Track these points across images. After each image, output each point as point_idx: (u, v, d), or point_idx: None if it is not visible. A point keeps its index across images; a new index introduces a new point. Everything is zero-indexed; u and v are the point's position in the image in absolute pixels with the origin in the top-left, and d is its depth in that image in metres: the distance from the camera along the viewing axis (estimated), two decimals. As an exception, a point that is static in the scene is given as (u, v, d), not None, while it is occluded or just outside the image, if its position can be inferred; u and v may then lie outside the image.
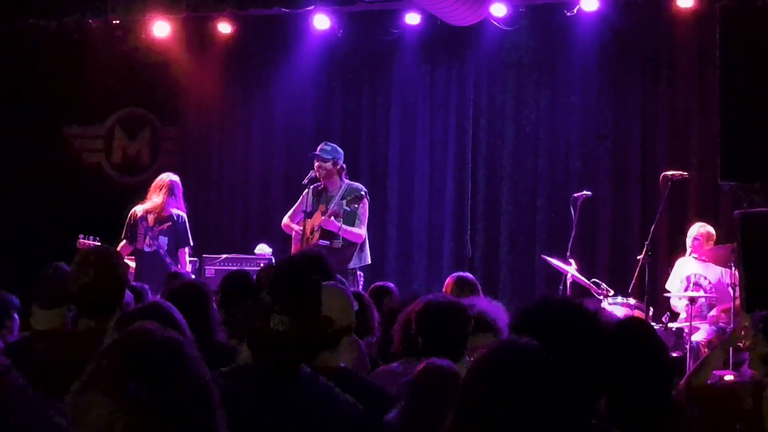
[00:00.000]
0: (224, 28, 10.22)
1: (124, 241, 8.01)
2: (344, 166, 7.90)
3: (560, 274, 8.07)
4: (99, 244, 8.10)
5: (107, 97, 10.80)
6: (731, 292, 7.38)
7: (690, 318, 7.45)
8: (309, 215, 7.70)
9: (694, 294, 7.77)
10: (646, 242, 7.69)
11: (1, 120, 10.72)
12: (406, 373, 3.47)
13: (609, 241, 9.26)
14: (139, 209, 8.10)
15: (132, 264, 7.82)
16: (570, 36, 9.36)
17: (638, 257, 7.78)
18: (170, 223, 8.01)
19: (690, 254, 8.10)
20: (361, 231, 7.71)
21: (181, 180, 8.40)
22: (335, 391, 2.88)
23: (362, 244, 7.76)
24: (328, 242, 7.62)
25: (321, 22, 9.82)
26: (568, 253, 8.08)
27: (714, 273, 7.98)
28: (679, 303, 8.05)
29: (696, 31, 8.98)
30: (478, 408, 1.98)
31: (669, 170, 8.01)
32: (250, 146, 10.58)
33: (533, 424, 1.94)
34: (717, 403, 3.80)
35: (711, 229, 8.11)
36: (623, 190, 9.30)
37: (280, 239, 9.02)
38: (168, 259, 7.93)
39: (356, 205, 7.59)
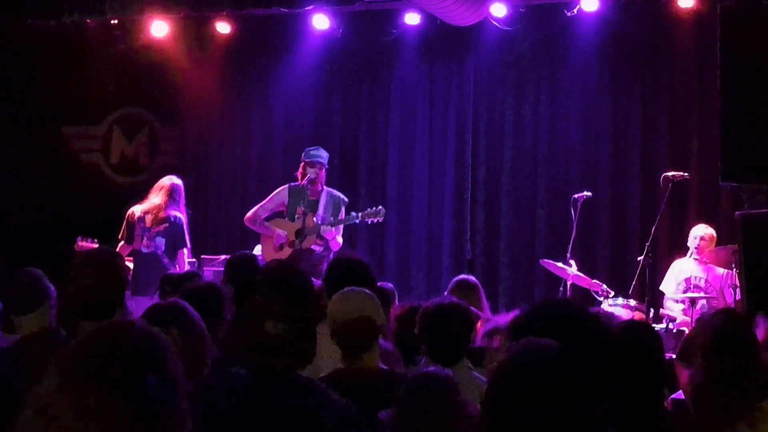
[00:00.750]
0: (223, 28, 10.19)
1: (122, 242, 7.97)
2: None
3: (560, 276, 8.05)
4: (97, 245, 8.12)
5: (105, 97, 10.78)
6: (731, 293, 7.36)
7: (691, 319, 7.42)
8: (291, 217, 7.72)
9: (695, 295, 7.75)
10: (647, 243, 7.67)
11: (0, 120, 10.70)
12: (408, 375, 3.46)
13: (609, 242, 9.24)
14: (137, 209, 8.07)
15: (130, 265, 7.79)
16: (570, 36, 9.35)
17: (639, 258, 7.76)
18: (167, 225, 7.98)
19: (692, 255, 8.07)
20: (340, 240, 7.90)
21: (181, 181, 8.37)
22: (330, 395, 2.86)
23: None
24: (320, 247, 7.66)
25: (320, 21, 9.79)
26: (569, 254, 8.06)
27: (713, 274, 7.96)
28: (674, 306, 8.01)
29: (696, 31, 8.96)
30: (505, 409, 2.02)
31: (669, 171, 8.00)
32: (249, 146, 10.56)
33: (557, 424, 1.96)
34: None
35: (713, 231, 8.10)
36: (623, 191, 9.28)
37: (278, 240, 9.00)
38: (165, 260, 7.91)
39: (339, 221, 7.71)
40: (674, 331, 7.49)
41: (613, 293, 7.79)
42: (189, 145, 10.74)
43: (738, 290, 7.06)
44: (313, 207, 7.77)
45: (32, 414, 1.56)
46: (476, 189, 9.77)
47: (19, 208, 10.35)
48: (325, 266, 7.54)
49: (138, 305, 5.34)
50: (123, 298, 3.60)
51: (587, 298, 7.89)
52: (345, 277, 4.18)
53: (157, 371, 1.61)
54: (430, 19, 9.48)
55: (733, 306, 7.30)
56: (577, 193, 8.33)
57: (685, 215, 8.80)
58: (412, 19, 9.64)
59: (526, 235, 9.55)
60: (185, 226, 8.09)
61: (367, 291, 3.82)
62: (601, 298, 7.76)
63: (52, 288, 4.22)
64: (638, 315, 7.58)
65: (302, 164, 7.93)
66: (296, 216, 7.69)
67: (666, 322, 7.51)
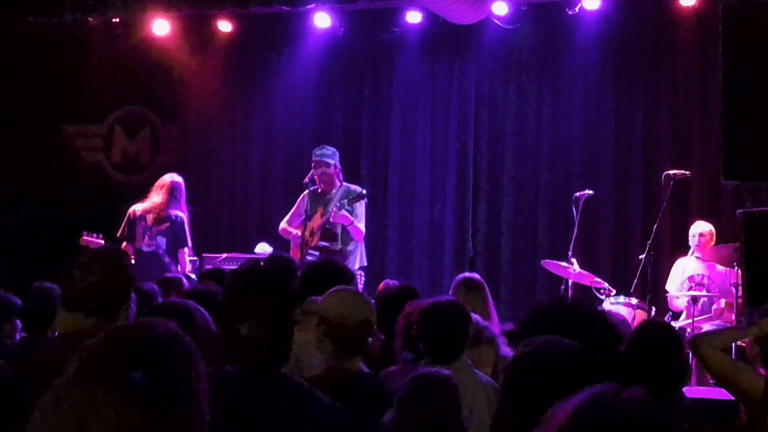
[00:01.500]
0: (224, 26, 10.19)
1: (125, 243, 7.97)
2: (339, 166, 7.94)
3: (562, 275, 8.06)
4: (102, 241, 8.12)
5: (107, 96, 10.77)
6: (734, 291, 7.37)
7: (693, 317, 7.43)
8: (308, 218, 7.73)
9: (697, 293, 7.76)
10: (649, 241, 7.67)
11: (1, 118, 10.71)
12: (407, 376, 3.46)
13: (611, 240, 9.24)
14: (138, 208, 8.06)
15: (131, 264, 7.77)
16: (572, 34, 9.34)
17: (640, 257, 7.76)
18: (168, 224, 7.98)
19: (692, 253, 8.07)
20: (363, 228, 7.75)
21: (182, 179, 8.37)
22: (316, 394, 2.86)
23: (359, 245, 7.79)
24: (327, 244, 7.64)
25: (322, 20, 9.79)
26: (570, 253, 8.06)
27: (716, 272, 7.96)
28: (679, 302, 8.02)
29: (698, 29, 8.96)
30: (522, 403, 2.03)
31: (671, 169, 8.00)
32: (251, 145, 10.56)
33: None
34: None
35: (712, 228, 8.10)
36: (625, 189, 9.27)
37: (280, 238, 9.00)
38: (167, 259, 7.90)
39: (356, 204, 7.62)
40: (676, 329, 7.49)
41: (614, 291, 7.80)
42: (190, 144, 10.74)
43: (740, 288, 7.06)
44: (328, 205, 7.77)
45: (44, 407, 1.56)
46: (478, 187, 9.77)
47: (21, 206, 10.35)
48: (348, 262, 7.58)
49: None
50: (129, 297, 3.60)
51: (589, 296, 7.90)
52: (319, 283, 4.18)
53: (173, 373, 1.59)
54: (431, 17, 9.48)
55: (735, 303, 7.32)
56: (578, 191, 8.34)
57: (687, 213, 8.80)
58: (413, 17, 9.64)
59: (528, 233, 9.55)
60: (186, 225, 8.09)
61: (358, 291, 3.82)
62: (603, 297, 7.77)
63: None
64: (640, 313, 7.59)
65: (312, 165, 7.94)
66: (312, 216, 7.74)
67: (668, 320, 7.51)
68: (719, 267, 7.91)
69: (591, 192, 8.31)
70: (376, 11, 9.78)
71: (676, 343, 3.40)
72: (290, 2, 9.38)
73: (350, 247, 7.73)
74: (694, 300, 7.68)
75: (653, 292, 7.94)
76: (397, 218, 9.91)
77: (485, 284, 6.01)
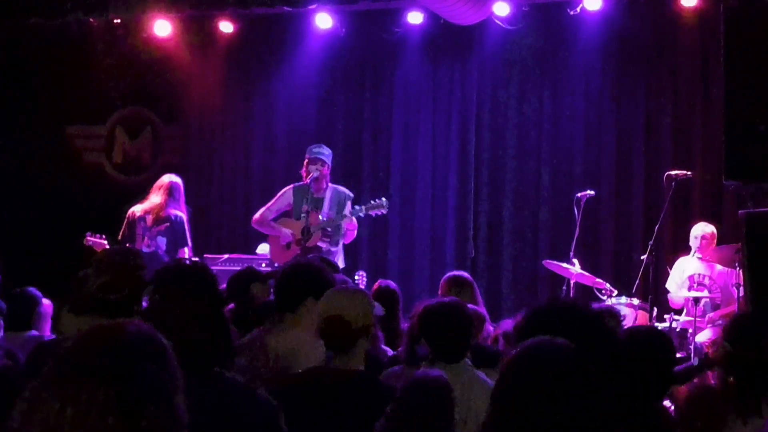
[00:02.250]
0: (226, 27, 10.19)
1: (126, 244, 7.97)
2: (330, 167, 8.03)
3: (563, 275, 8.06)
4: (106, 241, 8.13)
5: (108, 97, 10.78)
6: (735, 291, 7.36)
7: (694, 318, 7.43)
8: (299, 215, 7.73)
9: (698, 294, 7.75)
10: (650, 242, 7.66)
11: (3, 119, 10.71)
12: (408, 377, 3.47)
13: (612, 240, 9.23)
14: (137, 209, 8.08)
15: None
16: (573, 35, 9.34)
17: (642, 257, 7.75)
18: (168, 224, 7.99)
19: (694, 254, 8.07)
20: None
21: (183, 179, 8.38)
22: (255, 392, 2.87)
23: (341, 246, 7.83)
24: (324, 244, 7.67)
25: (323, 21, 9.79)
26: (572, 253, 8.05)
27: (717, 272, 7.96)
28: (678, 298, 8.01)
29: (700, 30, 8.96)
30: (514, 405, 2.03)
31: (672, 170, 7.99)
32: (252, 146, 10.56)
33: (568, 421, 1.98)
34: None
35: (713, 229, 8.10)
36: (627, 190, 9.27)
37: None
38: (166, 260, 7.91)
39: (349, 213, 7.70)
40: (678, 330, 7.49)
41: (616, 292, 7.80)
42: (192, 144, 10.74)
43: (741, 288, 7.05)
44: (318, 205, 7.77)
45: (21, 408, 1.56)
46: (479, 188, 9.77)
47: (23, 207, 10.35)
48: (335, 261, 7.59)
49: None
50: (141, 297, 3.60)
51: (591, 296, 7.89)
52: (293, 285, 4.20)
53: (149, 370, 1.59)
54: (433, 18, 9.48)
55: (736, 304, 7.31)
56: (580, 191, 8.33)
57: (689, 214, 8.79)
58: (415, 18, 9.64)
59: (529, 234, 9.55)
60: (186, 225, 8.09)
61: (359, 290, 3.83)
62: (605, 297, 7.76)
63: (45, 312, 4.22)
64: (641, 314, 7.58)
65: (305, 162, 7.92)
66: (302, 214, 7.70)
67: (670, 320, 7.50)
68: (720, 267, 7.90)
69: (592, 192, 8.31)
70: (377, 12, 9.78)
71: (666, 349, 3.42)
72: (291, 3, 9.39)
73: (338, 248, 7.79)
74: (696, 301, 7.68)
75: (655, 293, 7.93)
76: (398, 219, 9.90)
77: (474, 282, 6.03)
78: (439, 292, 5.99)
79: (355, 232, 7.86)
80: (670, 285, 8.14)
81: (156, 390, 1.59)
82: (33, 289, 5.53)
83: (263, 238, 9.36)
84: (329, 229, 7.71)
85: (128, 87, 10.71)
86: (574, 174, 9.40)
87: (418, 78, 10.01)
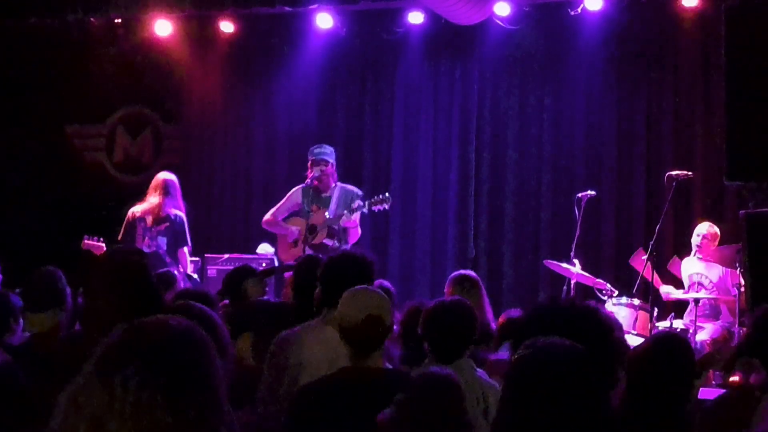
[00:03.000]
0: (226, 26, 10.19)
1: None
2: (335, 165, 8.02)
3: (564, 275, 8.05)
4: (104, 244, 8.13)
5: (109, 96, 10.78)
6: (733, 291, 7.36)
7: (696, 317, 7.42)
8: (306, 214, 7.76)
9: (698, 295, 7.75)
10: (651, 242, 7.65)
11: (3, 119, 10.71)
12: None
13: (613, 241, 9.22)
14: (137, 210, 8.09)
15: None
16: (574, 35, 9.33)
17: (643, 257, 7.74)
18: (168, 224, 7.99)
19: (695, 254, 8.06)
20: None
21: (183, 179, 8.38)
22: None
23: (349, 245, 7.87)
24: (330, 242, 7.67)
25: (324, 20, 9.78)
26: (572, 253, 8.05)
27: (715, 272, 7.95)
28: (672, 291, 7.99)
29: (701, 30, 8.95)
30: (522, 404, 2.04)
31: (674, 170, 7.98)
32: (253, 145, 10.55)
33: (573, 421, 1.99)
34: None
35: (716, 229, 8.09)
36: (628, 190, 9.26)
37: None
38: (168, 260, 7.91)
39: (354, 207, 7.70)
40: (678, 330, 7.48)
41: (617, 292, 7.79)
42: (192, 144, 10.74)
43: (742, 289, 7.05)
44: (326, 203, 7.82)
45: (65, 403, 1.56)
46: (480, 187, 9.76)
47: (23, 206, 10.35)
48: None
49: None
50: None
51: (591, 297, 7.88)
52: (340, 275, 4.14)
53: (193, 362, 1.61)
54: (434, 17, 9.47)
55: (736, 304, 7.31)
56: (581, 192, 8.32)
57: (690, 214, 8.78)
58: (415, 17, 9.63)
59: (530, 234, 9.54)
60: (186, 225, 8.09)
61: (378, 290, 3.80)
62: (605, 298, 7.76)
63: (68, 290, 4.21)
64: (642, 314, 7.57)
65: (309, 164, 7.94)
66: (310, 213, 7.74)
67: (670, 320, 7.49)
68: (718, 267, 7.90)
69: (593, 193, 8.30)
70: (378, 12, 9.77)
71: (688, 357, 3.45)
72: (292, 3, 9.38)
73: (346, 247, 7.79)
74: (696, 301, 7.66)
75: (655, 293, 7.92)
76: (398, 219, 9.90)
77: (481, 282, 6.02)
78: (446, 291, 5.98)
79: (358, 230, 7.88)
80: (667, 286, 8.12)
81: (200, 382, 1.60)
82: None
83: (263, 238, 9.37)
84: (336, 227, 7.73)
85: (128, 87, 10.70)
86: (575, 174, 9.39)
87: (419, 78, 10.00)
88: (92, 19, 10.17)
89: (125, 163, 10.99)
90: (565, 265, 7.90)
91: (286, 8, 9.52)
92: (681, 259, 8.22)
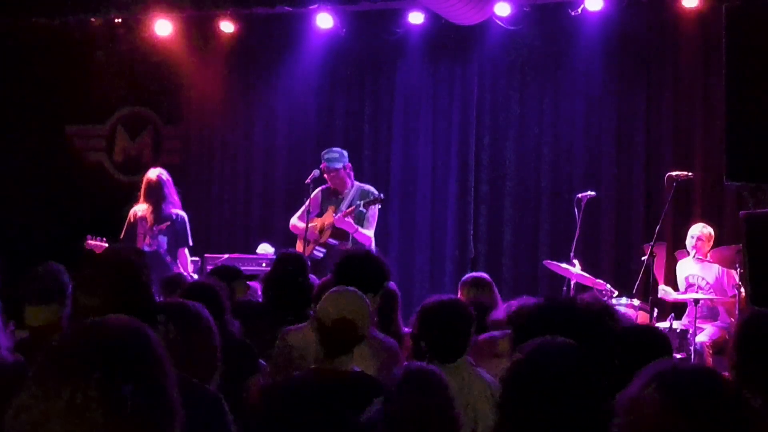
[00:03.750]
0: (227, 27, 10.19)
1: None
2: (350, 165, 8.07)
3: (564, 276, 8.05)
4: (107, 244, 8.13)
5: (109, 96, 10.78)
6: (729, 291, 7.36)
7: (695, 318, 7.42)
8: (318, 214, 7.88)
9: (697, 296, 7.74)
10: (651, 243, 7.65)
11: (4, 119, 10.71)
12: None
13: (613, 241, 9.22)
14: (139, 209, 8.10)
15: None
16: (574, 36, 9.33)
17: (642, 258, 7.74)
18: (169, 223, 7.99)
19: (693, 255, 8.06)
20: (371, 234, 7.87)
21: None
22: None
23: (370, 246, 7.84)
24: (337, 242, 7.73)
25: (324, 21, 9.79)
26: (572, 254, 8.05)
27: (712, 273, 7.95)
28: (670, 292, 7.99)
29: (701, 30, 8.95)
30: (522, 404, 2.06)
31: (673, 170, 7.97)
32: (252, 145, 10.55)
33: (572, 418, 2.00)
34: None
35: (711, 230, 8.09)
36: (627, 191, 9.26)
37: (282, 239, 9.00)
38: (168, 259, 7.91)
39: (370, 206, 7.75)
40: (678, 330, 7.48)
41: (617, 293, 7.79)
42: (192, 144, 10.74)
43: (742, 289, 7.05)
44: (340, 204, 7.95)
45: (14, 406, 1.56)
46: (480, 188, 9.76)
47: (24, 206, 10.35)
48: None
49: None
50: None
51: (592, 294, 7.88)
52: (351, 273, 4.16)
53: (131, 360, 1.59)
54: (434, 18, 9.47)
55: (735, 304, 7.30)
56: (580, 192, 8.32)
57: (690, 215, 8.78)
58: (416, 18, 9.63)
59: (530, 235, 9.54)
60: (187, 224, 8.09)
61: (362, 296, 3.80)
62: (605, 298, 7.75)
63: (70, 285, 4.20)
64: (642, 315, 7.57)
65: (323, 168, 8.09)
66: (323, 213, 7.92)
67: (670, 321, 7.48)
68: (715, 268, 7.90)
69: (593, 193, 8.30)
70: (378, 12, 9.77)
71: (660, 347, 3.42)
72: (292, 3, 9.39)
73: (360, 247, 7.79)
74: (696, 302, 7.67)
75: (655, 294, 7.92)
76: (398, 220, 9.90)
77: (493, 283, 6.04)
78: (458, 294, 6.02)
79: (363, 233, 7.88)
80: (666, 285, 8.12)
81: (140, 380, 1.58)
82: None
83: (264, 238, 9.38)
84: (341, 228, 7.84)
85: (128, 87, 10.71)
86: (575, 174, 9.39)
87: (419, 78, 10.00)
88: (92, 19, 10.17)
89: (125, 164, 10.99)
90: (564, 265, 7.90)
91: (286, 8, 9.53)
92: (678, 259, 8.23)
